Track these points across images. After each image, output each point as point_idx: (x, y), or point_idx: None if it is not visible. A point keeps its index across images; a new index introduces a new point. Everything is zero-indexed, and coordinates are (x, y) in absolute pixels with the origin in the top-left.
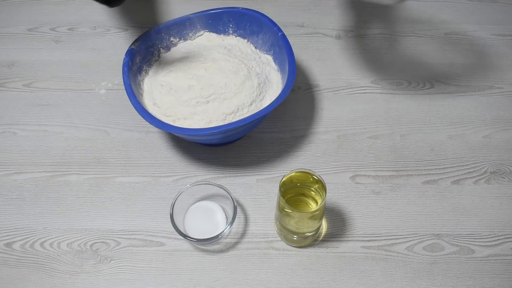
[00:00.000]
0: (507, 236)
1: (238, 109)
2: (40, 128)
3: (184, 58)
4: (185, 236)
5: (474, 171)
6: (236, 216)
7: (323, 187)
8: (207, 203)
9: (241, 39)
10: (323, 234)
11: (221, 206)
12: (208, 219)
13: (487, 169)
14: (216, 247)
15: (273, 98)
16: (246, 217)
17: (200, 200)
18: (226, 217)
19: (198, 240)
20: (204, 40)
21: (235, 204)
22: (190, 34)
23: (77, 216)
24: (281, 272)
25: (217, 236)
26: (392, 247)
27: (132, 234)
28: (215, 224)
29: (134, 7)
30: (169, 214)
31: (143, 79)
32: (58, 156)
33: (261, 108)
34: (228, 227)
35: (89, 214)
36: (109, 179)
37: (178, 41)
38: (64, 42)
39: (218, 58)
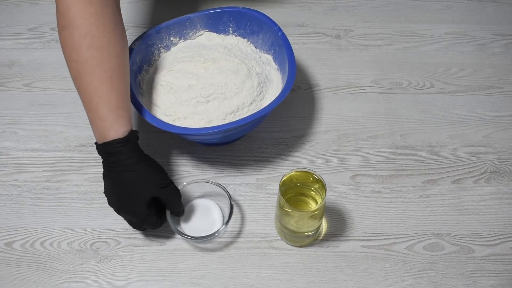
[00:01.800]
0: (507, 236)
1: (238, 109)
2: (40, 127)
3: (184, 58)
4: (181, 234)
5: (474, 170)
6: (236, 215)
7: (323, 186)
8: (204, 201)
9: (241, 38)
10: (323, 234)
11: (217, 204)
12: (204, 217)
13: (487, 168)
14: (216, 246)
15: (273, 98)
16: (246, 217)
17: (196, 198)
18: (223, 215)
19: (195, 238)
20: (204, 39)
21: (232, 202)
22: (190, 34)
23: (77, 215)
24: (281, 271)
25: (213, 234)
26: (392, 246)
27: (132, 234)
28: (212, 222)
29: (134, 7)
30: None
31: (143, 78)
32: (59, 156)
33: (261, 107)
34: (224, 225)
35: (89, 213)
36: None
37: (178, 40)
38: None
39: (218, 57)
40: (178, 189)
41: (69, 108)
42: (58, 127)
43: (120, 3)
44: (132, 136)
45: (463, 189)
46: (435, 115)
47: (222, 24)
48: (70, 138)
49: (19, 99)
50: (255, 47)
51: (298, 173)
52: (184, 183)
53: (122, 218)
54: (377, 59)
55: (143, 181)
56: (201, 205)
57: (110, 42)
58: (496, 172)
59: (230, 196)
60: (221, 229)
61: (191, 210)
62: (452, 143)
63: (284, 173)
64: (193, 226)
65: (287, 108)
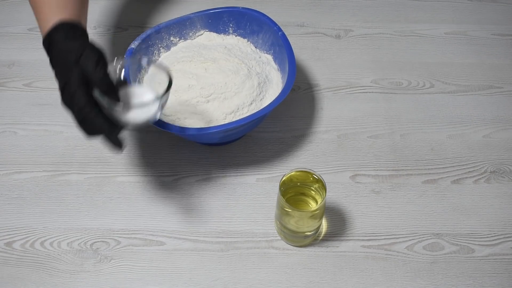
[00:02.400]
0: (507, 236)
1: (238, 109)
2: (40, 127)
3: (184, 58)
4: (109, 106)
5: (474, 170)
6: (236, 215)
7: (323, 186)
8: (141, 89)
9: (241, 38)
10: (323, 234)
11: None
12: (139, 101)
13: (487, 168)
14: (216, 246)
15: (273, 98)
16: (246, 217)
17: (134, 85)
18: (160, 100)
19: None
20: (204, 39)
21: (171, 76)
22: (190, 34)
23: (77, 215)
24: (281, 271)
25: (147, 103)
26: (392, 246)
27: (132, 234)
28: (148, 107)
29: (134, 7)
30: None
31: (143, 78)
32: (59, 156)
33: (261, 107)
34: (160, 98)
35: (89, 213)
36: (109, 178)
37: (178, 40)
38: None
39: (218, 57)
40: (98, 50)
41: None
42: (58, 127)
43: (120, 3)
44: (63, 24)
45: (463, 189)
46: (435, 115)
47: (222, 24)
48: (70, 138)
49: (19, 99)
50: (255, 47)
51: (298, 173)
52: (120, 61)
53: (122, 218)
54: (377, 59)
55: (63, 51)
56: (137, 91)
57: None
58: (496, 172)
59: (169, 73)
60: (156, 101)
61: (125, 96)
62: (452, 143)
63: (284, 173)
64: (128, 112)
65: (287, 108)
